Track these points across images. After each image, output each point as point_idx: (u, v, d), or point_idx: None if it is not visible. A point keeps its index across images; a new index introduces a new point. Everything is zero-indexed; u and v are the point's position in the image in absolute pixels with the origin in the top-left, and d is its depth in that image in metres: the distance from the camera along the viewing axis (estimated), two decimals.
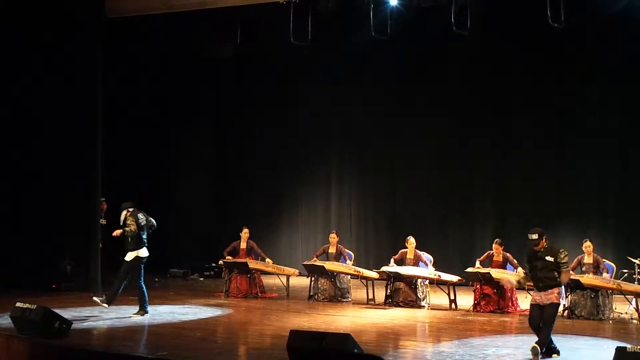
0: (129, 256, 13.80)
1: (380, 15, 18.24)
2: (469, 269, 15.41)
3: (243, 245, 17.29)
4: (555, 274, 10.65)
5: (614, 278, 14.66)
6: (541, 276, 10.74)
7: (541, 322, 10.66)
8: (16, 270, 16.72)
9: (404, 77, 20.57)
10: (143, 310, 13.80)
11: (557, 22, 16.28)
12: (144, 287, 13.86)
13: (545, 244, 10.79)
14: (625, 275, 15.13)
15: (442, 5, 17.69)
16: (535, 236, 10.76)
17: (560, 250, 10.78)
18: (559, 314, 13.74)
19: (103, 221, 18.08)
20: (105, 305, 13.83)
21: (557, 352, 10.64)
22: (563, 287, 10.93)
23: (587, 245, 14.85)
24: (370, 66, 20.84)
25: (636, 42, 17.84)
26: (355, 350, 9.02)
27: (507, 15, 18.81)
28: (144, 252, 13.82)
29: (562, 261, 10.69)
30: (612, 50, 18.30)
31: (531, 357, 10.44)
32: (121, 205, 14.03)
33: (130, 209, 13.88)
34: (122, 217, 13.88)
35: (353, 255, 17.13)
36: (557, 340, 11.34)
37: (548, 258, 10.70)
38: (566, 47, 18.50)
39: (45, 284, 16.78)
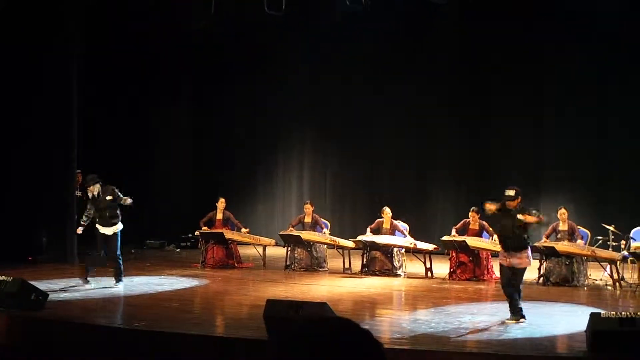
0: (111, 230, 13.77)
1: None
2: (445, 237, 15.49)
3: (219, 215, 17.27)
4: (525, 235, 10.82)
5: (589, 245, 14.79)
6: (511, 235, 10.86)
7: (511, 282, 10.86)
8: None
9: (381, 47, 20.46)
10: (119, 280, 13.85)
11: None
12: (121, 258, 13.90)
13: (519, 203, 10.90)
14: (600, 242, 15.23)
15: None
16: (512, 192, 10.87)
17: (531, 209, 10.94)
18: (534, 280, 14.02)
19: (78, 193, 17.98)
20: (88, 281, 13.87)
21: (524, 317, 10.77)
22: (530, 249, 11.05)
23: (562, 213, 14.98)
24: (345, 36, 20.68)
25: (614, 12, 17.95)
26: None
27: None
28: (121, 225, 13.85)
29: (531, 211, 10.86)
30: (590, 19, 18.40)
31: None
32: (91, 178, 13.94)
33: (100, 182, 13.88)
34: (96, 191, 13.81)
35: (329, 225, 17.15)
36: (533, 306, 11.50)
37: (519, 217, 10.83)
38: (548, 17, 18.56)
39: (21, 256, 16.68)
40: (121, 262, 13.88)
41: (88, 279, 13.85)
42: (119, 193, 13.81)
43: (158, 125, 22.80)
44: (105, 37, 20.44)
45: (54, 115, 17.44)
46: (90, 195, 13.98)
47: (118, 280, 13.80)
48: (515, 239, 10.85)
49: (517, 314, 10.74)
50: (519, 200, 10.90)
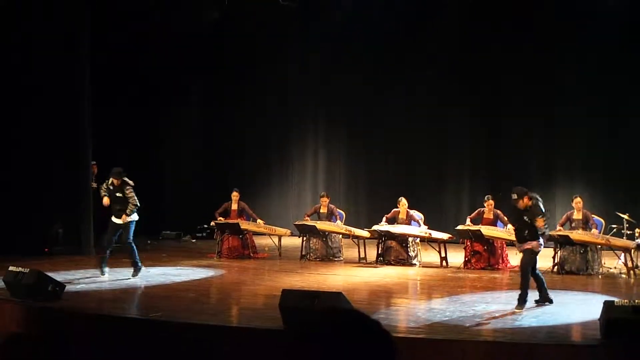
0: (119, 220, 13.83)
1: None
2: (460, 227, 15.52)
3: (234, 206, 17.31)
4: (529, 232, 10.90)
5: (603, 233, 14.77)
6: (519, 235, 10.98)
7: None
8: (8, 234, 16.67)
9: (396, 37, 20.40)
10: (137, 268, 13.89)
11: None
12: (133, 245, 13.95)
13: (528, 202, 10.92)
14: (614, 230, 15.21)
15: None
16: (514, 196, 10.97)
17: (539, 217, 10.88)
18: (548, 269, 14.01)
19: (94, 184, 18.05)
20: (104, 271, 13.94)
21: (550, 301, 10.90)
22: (541, 238, 11.08)
23: (577, 202, 14.95)
24: (360, 26, 20.63)
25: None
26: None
27: None
28: (135, 215, 13.92)
29: (538, 225, 10.86)
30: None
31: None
32: (115, 171, 13.99)
33: (119, 178, 13.93)
34: (112, 183, 13.88)
35: (344, 215, 17.19)
36: None
37: (526, 218, 10.90)
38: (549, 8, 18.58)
39: (38, 248, 16.76)
40: (135, 248, 13.90)
41: (104, 269, 13.90)
42: (129, 195, 13.80)
43: (171, 118, 22.86)
44: (115, 34, 20.44)
45: (68, 107, 17.50)
46: (105, 184, 14.08)
47: (136, 269, 13.83)
48: (526, 235, 10.93)
49: (520, 302, 10.83)
50: (526, 199, 10.90)
